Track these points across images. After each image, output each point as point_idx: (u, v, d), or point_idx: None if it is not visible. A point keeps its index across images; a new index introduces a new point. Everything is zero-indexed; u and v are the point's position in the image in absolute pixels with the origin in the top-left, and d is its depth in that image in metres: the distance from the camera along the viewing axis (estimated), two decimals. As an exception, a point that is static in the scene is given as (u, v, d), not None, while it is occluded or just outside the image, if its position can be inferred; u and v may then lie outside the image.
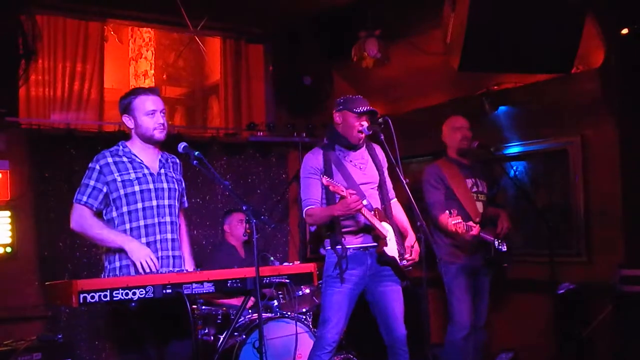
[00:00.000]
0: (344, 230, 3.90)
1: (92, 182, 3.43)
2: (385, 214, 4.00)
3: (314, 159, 3.94)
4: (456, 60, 4.43)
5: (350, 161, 3.99)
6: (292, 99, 6.60)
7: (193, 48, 6.38)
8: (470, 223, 4.38)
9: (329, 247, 3.92)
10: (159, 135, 3.49)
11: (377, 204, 3.98)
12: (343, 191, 3.63)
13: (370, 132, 3.99)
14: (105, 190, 3.43)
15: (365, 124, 3.95)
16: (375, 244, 3.89)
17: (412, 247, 3.98)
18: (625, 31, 4.71)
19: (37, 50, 5.29)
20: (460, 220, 4.28)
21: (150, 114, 3.44)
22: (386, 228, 3.92)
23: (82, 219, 3.43)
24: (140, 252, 3.34)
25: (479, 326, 4.81)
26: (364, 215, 3.78)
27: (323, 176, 3.73)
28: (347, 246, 3.86)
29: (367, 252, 3.92)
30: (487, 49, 4.39)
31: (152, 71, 8.32)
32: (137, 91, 3.51)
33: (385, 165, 4.15)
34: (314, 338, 4.58)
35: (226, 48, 6.70)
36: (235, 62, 6.68)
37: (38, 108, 5.79)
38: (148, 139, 3.51)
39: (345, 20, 6.03)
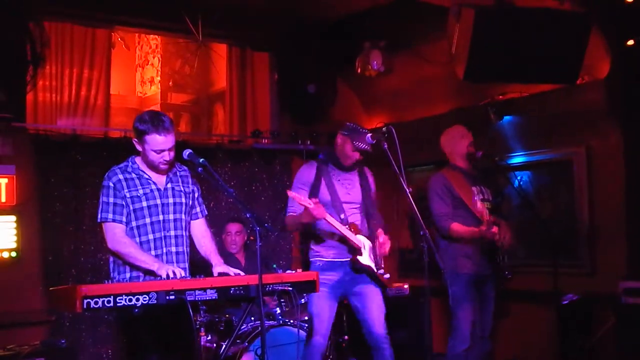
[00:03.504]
0: (320, 243, 4.21)
1: (111, 199, 3.50)
2: (361, 229, 4.21)
3: (307, 173, 4.22)
4: (461, 70, 4.44)
5: (339, 180, 4.24)
6: (297, 106, 6.62)
7: (199, 55, 6.40)
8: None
9: (311, 257, 4.25)
10: (163, 167, 3.56)
11: (356, 221, 4.22)
12: (309, 203, 3.87)
13: (374, 141, 4.08)
14: (124, 204, 3.50)
15: (358, 156, 4.16)
16: (349, 257, 4.15)
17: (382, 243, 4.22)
18: (630, 42, 4.71)
19: (44, 57, 5.33)
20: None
21: (158, 152, 3.49)
22: (361, 240, 4.15)
23: (116, 237, 3.48)
24: (169, 269, 3.39)
25: (484, 336, 4.77)
26: (330, 223, 3.99)
27: (289, 190, 4.03)
28: (322, 259, 4.18)
29: (343, 263, 4.18)
30: (492, 59, 4.41)
31: (159, 78, 8.37)
32: (153, 127, 3.44)
33: (373, 190, 4.40)
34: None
35: (232, 56, 6.73)
36: (241, 70, 6.72)
37: (45, 113, 5.84)
38: (152, 168, 3.58)
39: (351, 29, 6.05)
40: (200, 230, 3.79)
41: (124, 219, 3.50)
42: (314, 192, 4.13)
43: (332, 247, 4.19)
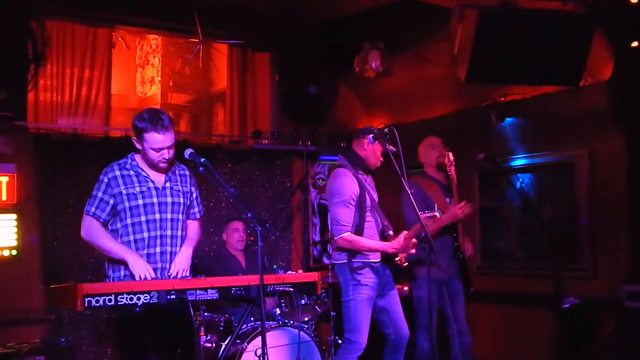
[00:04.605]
0: None
1: (100, 194, 3.50)
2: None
3: (353, 184, 4.18)
4: (463, 71, 4.44)
5: (369, 184, 4.33)
6: (297, 107, 6.61)
7: (199, 55, 6.39)
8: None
9: (345, 260, 4.20)
10: (162, 165, 3.55)
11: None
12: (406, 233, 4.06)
13: (375, 142, 4.23)
14: (112, 202, 3.49)
15: (382, 159, 4.26)
16: (378, 260, 4.24)
17: None
18: (634, 44, 4.70)
19: (45, 56, 5.32)
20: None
21: (157, 150, 3.48)
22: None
23: (91, 229, 3.51)
24: (140, 267, 3.39)
25: (462, 331, 4.76)
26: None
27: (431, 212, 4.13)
28: (369, 261, 4.20)
29: (380, 264, 4.25)
30: (494, 60, 4.40)
31: (159, 78, 8.35)
32: (151, 125, 3.43)
33: None
34: (317, 347, 4.61)
35: (232, 56, 6.72)
36: (241, 70, 6.70)
37: (45, 113, 5.81)
38: (151, 167, 3.57)
39: (352, 29, 6.04)
40: (191, 228, 3.77)
41: (104, 216, 3.51)
42: (361, 202, 4.17)
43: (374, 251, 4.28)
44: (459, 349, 4.75)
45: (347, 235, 4.14)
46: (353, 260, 4.19)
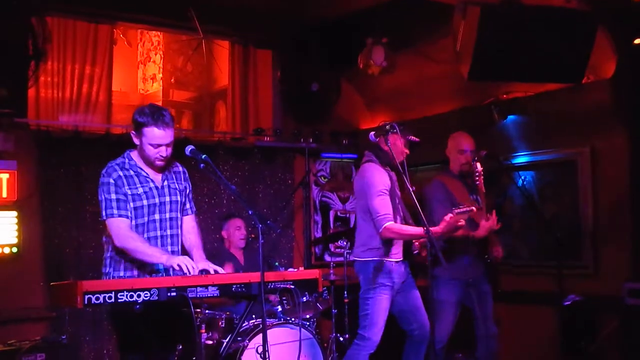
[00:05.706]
0: (396, 244, 4.27)
1: (114, 196, 3.43)
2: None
3: (384, 177, 4.22)
4: (466, 69, 4.43)
5: (394, 181, 4.33)
6: (299, 105, 6.60)
7: (201, 52, 6.38)
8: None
9: (368, 258, 4.22)
10: (159, 163, 3.51)
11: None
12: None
13: (377, 140, 4.25)
14: (129, 199, 3.44)
15: (408, 151, 4.27)
16: (400, 259, 4.30)
17: None
18: (637, 41, 4.68)
19: (46, 52, 5.30)
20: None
21: (155, 146, 3.44)
22: None
23: (121, 232, 3.40)
24: (177, 259, 3.34)
25: (489, 335, 4.73)
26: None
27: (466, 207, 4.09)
28: (394, 259, 4.23)
29: (403, 262, 4.31)
30: (496, 57, 4.39)
31: (160, 75, 8.33)
32: (152, 120, 3.40)
33: None
34: (318, 344, 4.60)
35: (234, 53, 6.70)
36: (243, 67, 6.69)
37: (46, 109, 5.79)
38: (148, 164, 3.53)
39: (354, 27, 6.03)
40: (188, 225, 3.73)
41: (130, 214, 3.44)
42: (392, 196, 4.17)
43: (400, 246, 4.29)
44: (484, 352, 4.73)
45: (390, 224, 4.10)
46: (377, 259, 4.20)
